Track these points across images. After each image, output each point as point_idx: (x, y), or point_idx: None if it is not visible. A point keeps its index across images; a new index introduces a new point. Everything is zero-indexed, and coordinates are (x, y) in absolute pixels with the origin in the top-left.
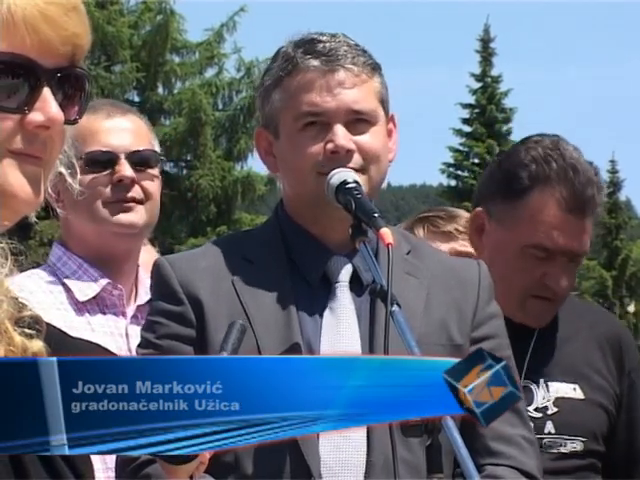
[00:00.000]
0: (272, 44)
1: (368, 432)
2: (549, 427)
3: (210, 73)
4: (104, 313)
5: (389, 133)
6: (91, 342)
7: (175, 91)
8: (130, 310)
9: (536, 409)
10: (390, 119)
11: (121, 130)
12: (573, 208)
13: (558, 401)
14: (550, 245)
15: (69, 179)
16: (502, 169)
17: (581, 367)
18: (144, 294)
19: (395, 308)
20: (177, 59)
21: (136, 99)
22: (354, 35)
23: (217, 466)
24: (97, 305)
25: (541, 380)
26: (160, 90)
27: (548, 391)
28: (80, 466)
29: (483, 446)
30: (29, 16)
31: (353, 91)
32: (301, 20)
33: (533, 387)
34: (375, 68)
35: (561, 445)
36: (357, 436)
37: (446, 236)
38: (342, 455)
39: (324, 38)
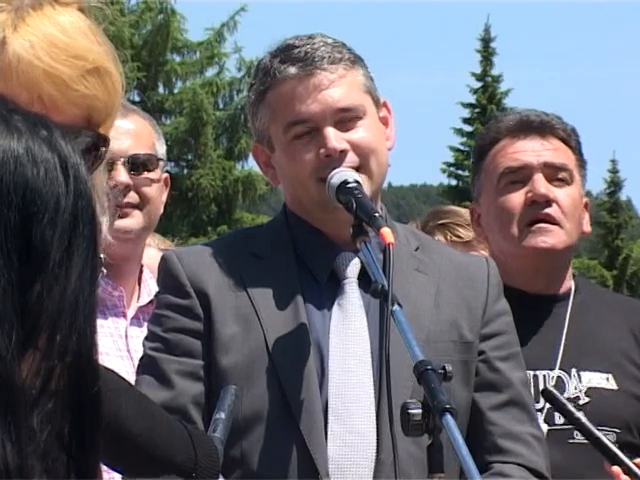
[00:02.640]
0: (272, 44)
1: (378, 429)
2: None
3: (211, 73)
4: (104, 314)
5: (384, 121)
6: (108, 369)
7: (176, 91)
8: (131, 311)
9: (568, 399)
10: (383, 105)
11: (120, 133)
12: (522, 131)
13: (590, 391)
14: (514, 163)
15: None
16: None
17: (615, 356)
18: (146, 295)
19: (396, 308)
20: (178, 59)
21: (137, 99)
22: (354, 34)
23: (224, 460)
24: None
25: (573, 370)
26: (161, 90)
27: (580, 381)
28: (88, 468)
29: (491, 443)
30: (31, 72)
31: (334, 90)
32: (301, 20)
33: (564, 377)
34: (355, 61)
35: None
36: (367, 433)
37: (467, 246)
38: (351, 452)
39: (300, 42)
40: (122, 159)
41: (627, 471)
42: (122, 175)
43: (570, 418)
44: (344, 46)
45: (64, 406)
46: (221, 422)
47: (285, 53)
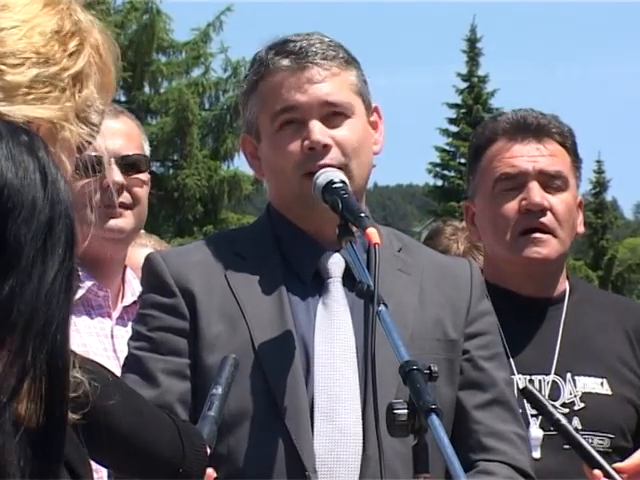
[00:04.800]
0: (259, 44)
1: (364, 426)
2: (575, 423)
3: (197, 73)
4: (90, 315)
5: (374, 125)
6: (98, 364)
7: (162, 91)
8: (116, 311)
9: (563, 404)
10: (374, 110)
11: (112, 134)
12: (518, 134)
13: (585, 396)
14: (510, 170)
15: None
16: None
17: (610, 360)
18: (130, 295)
19: (382, 308)
20: (163, 59)
21: (122, 99)
22: (340, 34)
23: (210, 457)
24: (83, 306)
25: (568, 374)
26: (147, 90)
27: (575, 386)
28: (78, 467)
29: (476, 442)
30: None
31: (325, 85)
32: (288, 19)
33: (560, 381)
34: (349, 61)
35: (588, 442)
36: (353, 430)
37: None
38: (338, 449)
39: (297, 38)
40: (114, 158)
41: (606, 474)
42: (117, 175)
43: (550, 419)
44: (340, 47)
45: (34, 413)
46: (217, 398)
47: (281, 46)
